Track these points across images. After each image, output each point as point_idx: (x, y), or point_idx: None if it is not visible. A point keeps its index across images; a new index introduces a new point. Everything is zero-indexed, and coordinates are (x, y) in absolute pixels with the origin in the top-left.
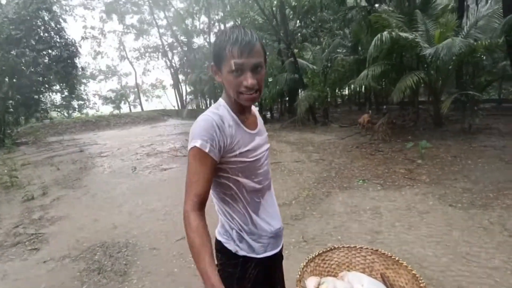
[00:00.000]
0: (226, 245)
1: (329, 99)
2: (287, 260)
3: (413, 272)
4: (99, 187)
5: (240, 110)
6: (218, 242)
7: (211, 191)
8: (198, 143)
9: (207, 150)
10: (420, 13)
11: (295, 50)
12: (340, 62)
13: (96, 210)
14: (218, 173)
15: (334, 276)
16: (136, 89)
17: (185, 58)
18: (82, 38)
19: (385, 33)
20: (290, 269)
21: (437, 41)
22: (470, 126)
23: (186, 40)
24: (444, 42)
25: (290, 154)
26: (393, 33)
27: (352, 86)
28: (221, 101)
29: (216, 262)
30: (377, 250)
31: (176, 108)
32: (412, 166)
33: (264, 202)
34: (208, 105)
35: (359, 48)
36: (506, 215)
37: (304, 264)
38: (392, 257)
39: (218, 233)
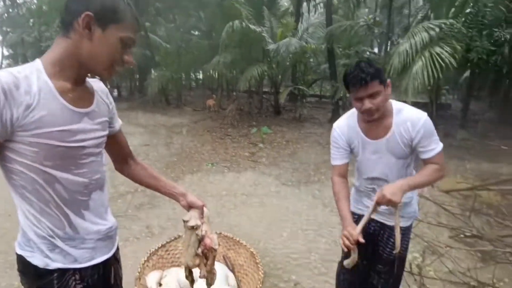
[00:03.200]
0: (30, 259)
1: (183, 82)
2: (126, 259)
3: (250, 250)
4: None
5: (72, 79)
6: (19, 259)
7: (7, 183)
8: None
9: None
10: (267, 11)
11: (147, 24)
12: (195, 44)
13: None
14: (12, 156)
15: (178, 266)
16: None
17: (6, 14)
18: None
19: (236, 21)
20: (132, 267)
21: (278, 39)
22: (300, 115)
23: None
24: (284, 40)
25: (139, 138)
26: (243, 23)
27: (206, 71)
28: (37, 62)
29: None
30: (220, 233)
31: None
32: (255, 149)
33: (91, 201)
34: None
35: (213, 34)
36: (322, 188)
37: (145, 259)
38: (233, 238)
39: (18, 246)
